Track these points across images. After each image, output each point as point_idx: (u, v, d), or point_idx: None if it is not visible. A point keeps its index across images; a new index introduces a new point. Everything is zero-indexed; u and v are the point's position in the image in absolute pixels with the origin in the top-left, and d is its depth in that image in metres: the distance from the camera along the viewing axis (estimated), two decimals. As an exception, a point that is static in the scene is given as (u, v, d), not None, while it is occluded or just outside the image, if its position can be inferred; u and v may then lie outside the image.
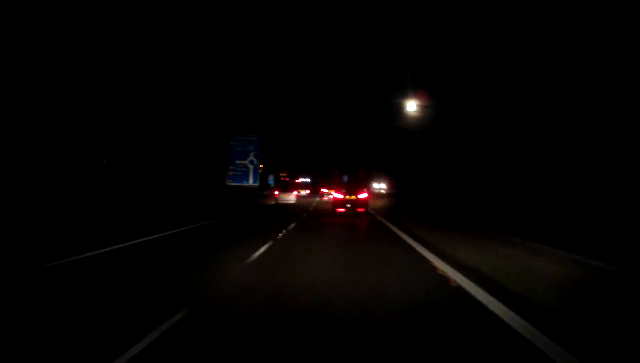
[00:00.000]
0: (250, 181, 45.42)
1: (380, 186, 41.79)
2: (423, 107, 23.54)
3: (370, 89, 46.49)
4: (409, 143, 31.63)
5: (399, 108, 24.92)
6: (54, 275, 6.96)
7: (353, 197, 23.02)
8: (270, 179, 58.70)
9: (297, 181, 72.97)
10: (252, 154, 45.58)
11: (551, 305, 5.44)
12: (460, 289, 6.40)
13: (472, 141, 22.75)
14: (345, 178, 45.63)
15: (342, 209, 23.15)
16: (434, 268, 8.13)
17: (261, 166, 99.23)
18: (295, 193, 43.26)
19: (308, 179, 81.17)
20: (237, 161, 45.40)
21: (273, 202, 37.56)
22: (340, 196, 23.59)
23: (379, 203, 31.04)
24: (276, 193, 39.69)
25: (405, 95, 23.66)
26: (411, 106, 22.87)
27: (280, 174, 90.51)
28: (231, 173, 45.36)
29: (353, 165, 51.73)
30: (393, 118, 29.01)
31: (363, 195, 23.36)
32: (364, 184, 26.92)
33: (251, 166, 45.49)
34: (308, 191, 63.40)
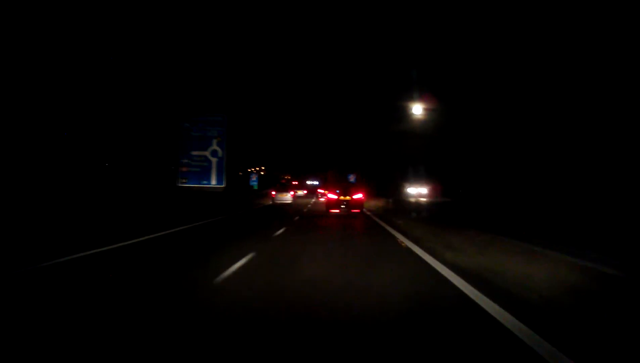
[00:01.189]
0: (213, 181, 31.63)
1: (418, 191, 28.30)
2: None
3: (372, 88, 41.47)
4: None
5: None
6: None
7: (348, 198, 21.98)
8: (254, 180, 45.48)
9: (295, 183, 66.94)
10: (215, 141, 31.77)
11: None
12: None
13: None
14: (352, 178, 37.16)
15: (336, 210, 22.12)
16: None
17: (263, 168, 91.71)
18: (292, 193, 40.51)
19: (316, 182, 76.68)
20: (194, 153, 31.64)
21: (270, 202, 34.94)
22: (334, 196, 22.51)
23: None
24: (273, 193, 37.00)
25: (412, 96, 22.81)
26: (417, 109, 21.95)
27: (286, 177, 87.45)
28: (185, 169, 31.61)
29: (354, 166, 43.23)
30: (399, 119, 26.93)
31: (358, 195, 22.14)
32: (360, 185, 25.08)
33: (214, 159, 31.69)
34: (305, 192, 60.58)
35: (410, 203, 26.05)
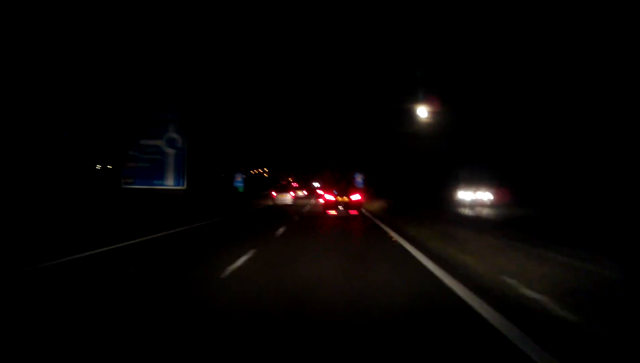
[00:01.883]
0: (169, 180, 23.11)
1: (477, 198, 20.34)
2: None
3: (374, 89, 36.72)
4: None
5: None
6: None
7: (345, 199, 21.24)
8: (239, 181, 37.44)
9: (295, 184, 70.82)
10: (171, 127, 23.25)
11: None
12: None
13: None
14: (359, 178, 36.04)
15: (333, 212, 21.30)
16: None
17: (266, 169, 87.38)
18: (292, 194, 40.46)
19: (318, 184, 76.34)
20: (144, 142, 23.12)
21: (271, 203, 34.80)
22: (331, 197, 21.94)
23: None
24: (274, 194, 37.15)
25: (416, 97, 21.09)
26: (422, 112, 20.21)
27: (288, 179, 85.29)
28: (132, 164, 23.08)
29: (360, 166, 41.47)
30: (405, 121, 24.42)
31: (356, 196, 21.46)
32: (362, 186, 26.24)
33: (171, 151, 23.15)
34: (306, 193, 61.23)
35: (465, 215, 17.07)
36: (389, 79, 32.46)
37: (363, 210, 22.24)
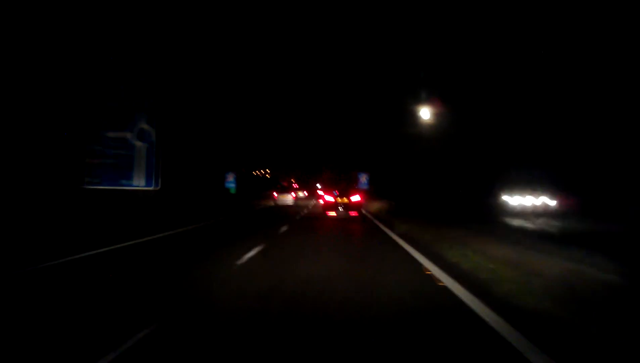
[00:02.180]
0: (139, 179, 19.53)
1: (536, 203, 17.63)
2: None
3: (375, 88, 37.42)
4: None
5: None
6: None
7: (345, 200, 21.23)
8: (231, 181, 34.28)
9: (295, 186, 72.97)
10: (143, 119, 19.70)
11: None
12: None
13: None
14: (364, 178, 34.89)
15: (333, 213, 21.34)
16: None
17: (268, 170, 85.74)
18: (293, 195, 41.75)
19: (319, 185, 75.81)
20: (111, 134, 19.59)
21: (272, 204, 34.97)
22: (331, 198, 21.92)
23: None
24: (275, 195, 37.66)
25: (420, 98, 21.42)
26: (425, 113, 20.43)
27: (290, 180, 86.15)
28: (96, 160, 19.56)
29: (364, 167, 40.16)
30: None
31: (356, 198, 21.25)
32: (362, 187, 26.00)
33: (140, 145, 19.59)
34: (306, 194, 62.34)
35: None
36: (400, 78, 30.49)
37: (364, 211, 21.98)
